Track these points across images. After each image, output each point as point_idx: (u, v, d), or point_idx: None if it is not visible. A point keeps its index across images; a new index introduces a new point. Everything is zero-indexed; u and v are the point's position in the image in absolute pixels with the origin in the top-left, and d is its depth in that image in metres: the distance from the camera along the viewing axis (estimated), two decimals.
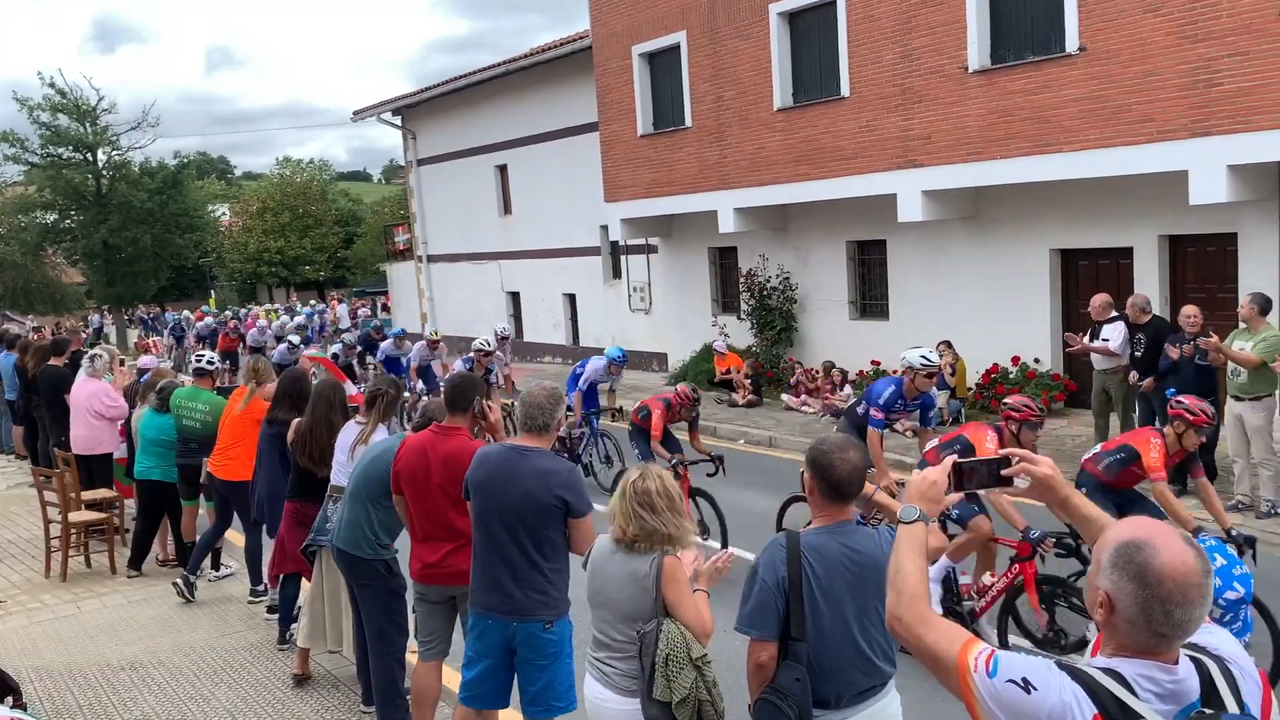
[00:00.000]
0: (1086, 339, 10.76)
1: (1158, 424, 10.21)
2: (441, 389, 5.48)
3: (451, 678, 5.50)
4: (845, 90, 14.53)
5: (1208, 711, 1.89)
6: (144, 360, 11.63)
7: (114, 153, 36.01)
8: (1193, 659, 1.96)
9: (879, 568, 3.35)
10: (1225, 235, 11.78)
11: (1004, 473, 2.48)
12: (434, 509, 4.99)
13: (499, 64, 23.11)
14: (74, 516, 9.22)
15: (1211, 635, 2.05)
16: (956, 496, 2.53)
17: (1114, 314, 10.72)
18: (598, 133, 19.51)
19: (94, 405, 9.90)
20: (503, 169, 24.99)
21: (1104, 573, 1.96)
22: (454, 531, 4.95)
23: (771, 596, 3.34)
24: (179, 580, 8.20)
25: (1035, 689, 1.94)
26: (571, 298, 23.67)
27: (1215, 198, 10.71)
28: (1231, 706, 1.91)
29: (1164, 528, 1.99)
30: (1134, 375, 10.22)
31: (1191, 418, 6.17)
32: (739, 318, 18.05)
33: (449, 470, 4.83)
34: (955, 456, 2.59)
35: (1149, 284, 12.24)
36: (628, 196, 18.85)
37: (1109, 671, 1.93)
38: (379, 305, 38.75)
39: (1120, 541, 1.96)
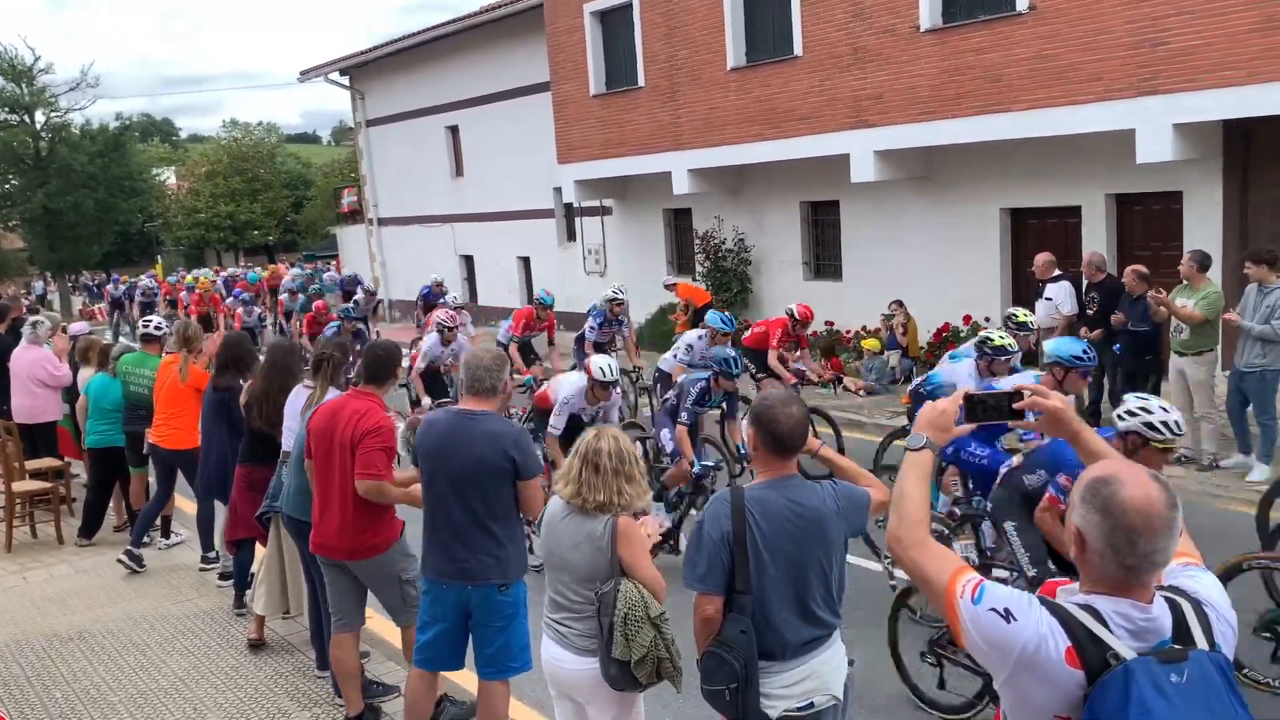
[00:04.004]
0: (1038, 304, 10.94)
1: (1107, 380, 10.47)
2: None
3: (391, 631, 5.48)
4: (798, 49, 14.47)
5: (1177, 646, 1.96)
6: (75, 327, 11.42)
7: (52, 114, 35.05)
8: (1168, 600, 2.03)
9: (822, 521, 3.40)
10: (1171, 194, 11.94)
11: (1015, 406, 2.51)
12: (332, 475, 4.90)
13: (449, 22, 22.72)
14: (18, 486, 9.06)
15: (1193, 580, 2.13)
16: (968, 427, 2.56)
17: (1057, 272, 10.88)
18: (550, 93, 19.30)
19: (36, 373, 9.68)
20: (454, 130, 24.66)
21: (1076, 510, 2.05)
22: (347, 503, 4.85)
23: (717, 551, 3.37)
24: (124, 556, 8.08)
25: (1015, 619, 2.02)
26: (526, 260, 23.50)
27: (1161, 156, 10.84)
28: (1201, 644, 1.98)
29: (1131, 465, 2.08)
30: (1084, 330, 10.41)
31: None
32: (694, 279, 18.03)
33: (350, 428, 4.78)
34: (968, 387, 2.62)
35: (1097, 243, 12.39)
36: (581, 158, 18.69)
37: (1085, 607, 2.01)
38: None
39: (1090, 479, 2.04)
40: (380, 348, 5.21)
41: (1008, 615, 2.02)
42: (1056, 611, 2.01)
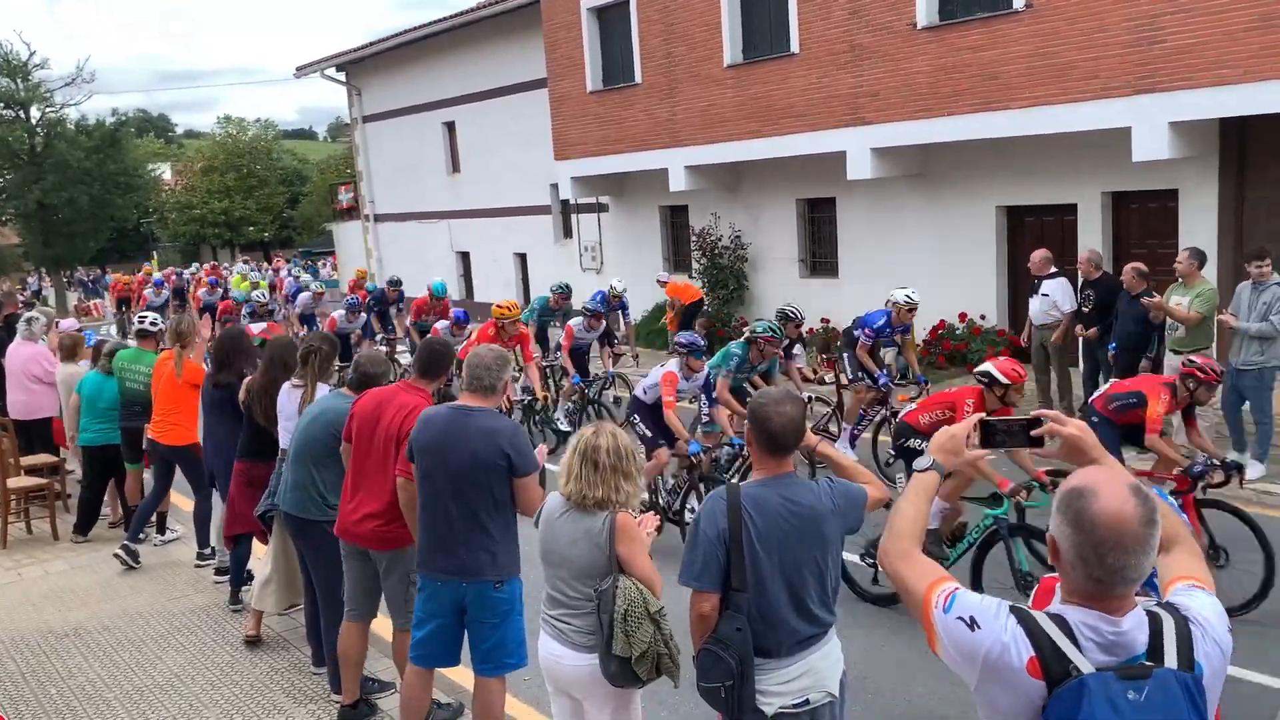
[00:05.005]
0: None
1: (1102, 378, 10.47)
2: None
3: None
4: (795, 47, 14.47)
5: (1148, 664, 1.93)
6: (64, 324, 11.42)
7: (48, 109, 34.96)
8: (1150, 614, 2.00)
9: (818, 519, 3.40)
10: (1167, 192, 11.96)
11: (1034, 433, 2.50)
12: (369, 463, 4.94)
13: (445, 18, 22.69)
14: (13, 482, 9.04)
15: (1188, 596, 2.10)
16: (981, 452, 2.59)
17: (1054, 269, 10.89)
18: (547, 89, 19.28)
19: (31, 369, 9.67)
20: (450, 126, 24.63)
21: (1052, 518, 2.04)
22: (381, 491, 4.90)
23: (713, 548, 3.38)
24: (120, 550, 8.07)
25: (979, 628, 2.04)
26: (522, 257, 23.48)
27: (1157, 154, 10.86)
28: (1171, 663, 1.94)
29: (1113, 476, 2.02)
30: (1080, 327, 10.40)
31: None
32: (691, 276, 18.04)
33: (397, 421, 4.81)
34: (982, 413, 2.63)
35: (1093, 240, 12.41)
36: (578, 154, 18.68)
37: (1055, 617, 2.00)
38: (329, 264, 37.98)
39: (1068, 487, 2.02)
40: (436, 343, 5.31)
41: (972, 623, 2.05)
42: (1025, 621, 2.01)
